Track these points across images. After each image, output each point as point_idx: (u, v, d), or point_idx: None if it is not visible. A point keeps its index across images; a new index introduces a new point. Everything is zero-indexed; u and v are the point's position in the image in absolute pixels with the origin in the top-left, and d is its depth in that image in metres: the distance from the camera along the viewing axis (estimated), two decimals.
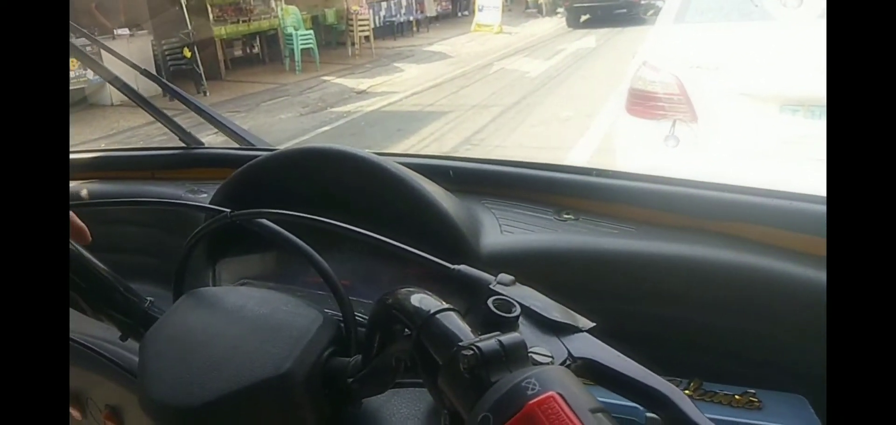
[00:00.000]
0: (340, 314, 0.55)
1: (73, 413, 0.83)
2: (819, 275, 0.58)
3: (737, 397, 0.57)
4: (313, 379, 0.48)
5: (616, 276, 0.63)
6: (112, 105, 7.78)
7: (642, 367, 0.35)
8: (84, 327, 0.74)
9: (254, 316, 0.53)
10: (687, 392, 0.58)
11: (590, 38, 11.54)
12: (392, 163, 0.68)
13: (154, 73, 1.05)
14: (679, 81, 2.63)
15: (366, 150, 0.69)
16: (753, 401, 0.56)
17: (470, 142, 5.55)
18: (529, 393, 0.29)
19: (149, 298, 0.61)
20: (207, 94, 8.28)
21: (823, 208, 0.64)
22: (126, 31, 8.08)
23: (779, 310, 0.59)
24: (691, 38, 3.06)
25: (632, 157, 2.78)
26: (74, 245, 0.58)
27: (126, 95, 0.99)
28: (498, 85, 8.10)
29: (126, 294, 0.59)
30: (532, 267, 0.63)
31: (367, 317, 0.54)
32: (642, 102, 2.71)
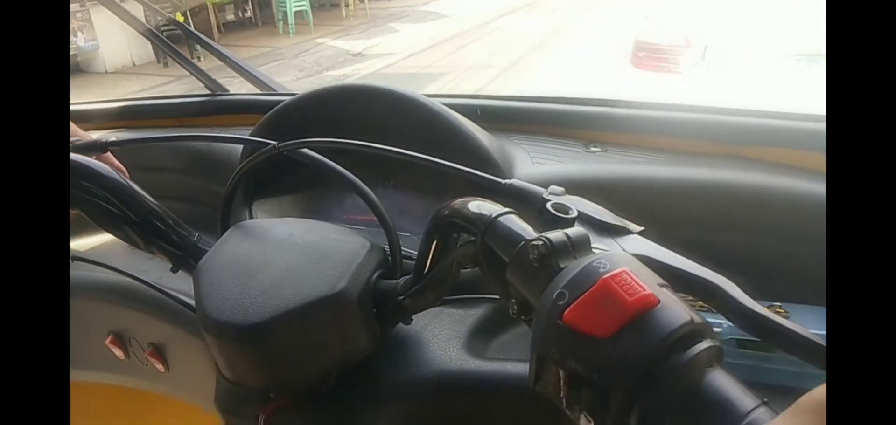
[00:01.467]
0: (383, 244, 0.57)
1: (116, 351, 0.86)
2: None
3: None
4: (365, 298, 0.51)
5: (646, 203, 0.65)
6: (106, 72, 7.70)
7: (694, 262, 0.38)
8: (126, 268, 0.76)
9: (303, 242, 0.55)
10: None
11: None
12: (425, 98, 0.69)
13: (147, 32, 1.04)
14: (684, 32, 2.62)
15: (398, 85, 0.71)
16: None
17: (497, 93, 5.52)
18: (602, 270, 0.31)
19: (197, 233, 0.63)
20: (201, 58, 8.18)
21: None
22: None
23: (802, 228, 0.61)
24: None
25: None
26: (127, 180, 0.60)
27: (153, 41, 0.99)
28: (496, 43, 8.03)
29: (176, 227, 0.61)
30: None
31: (406, 249, 0.56)
32: (647, 54, 2.71)
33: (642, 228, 0.42)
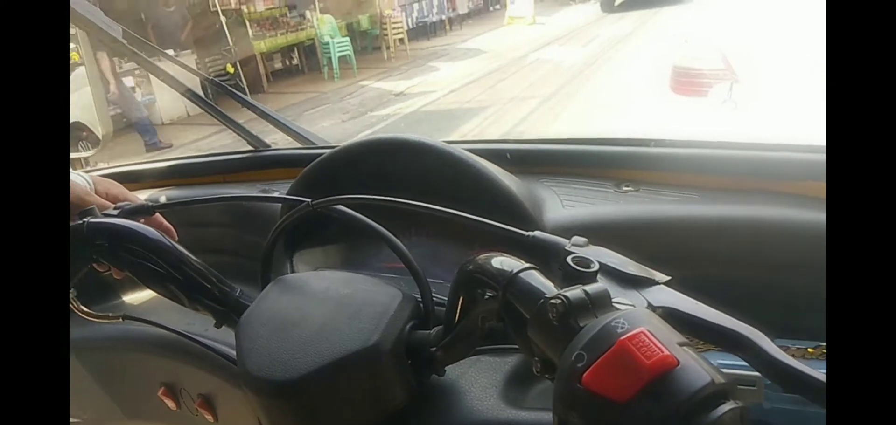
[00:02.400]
0: (416, 293, 0.58)
1: (169, 403, 0.89)
2: None
3: (810, 350, 0.58)
4: (398, 350, 0.52)
5: (680, 242, 0.64)
6: (162, 123, 8.09)
7: (721, 313, 0.37)
8: (171, 323, 0.80)
9: (339, 296, 0.57)
10: None
11: (625, 23, 11.34)
12: (455, 148, 0.70)
13: (200, 92, 1.10)
14: (724, 56, 2.57)
15: (428, 137, 0.72)
16: (826, 352, 0.57)
17: (510, 134, 5.54)
18: (619, 331, 0.31)
19: (239, 288, 0.65)
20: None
21: None
22: (171, 52, 8.38)
23: None
24: (733, 11, 2.99)
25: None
26: (171, 241, 0.63)
27: (197, 104, 1.04)
28: (534, 76, 8.05)
29: (219, 284, 0.63)
30: (597, 237, 0.65)
31: (438, 296, 0.57)
32: (687, 80, 2.67)
33: (668, 278, 0.41)
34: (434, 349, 0.52)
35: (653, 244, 0.65)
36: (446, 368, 0.56)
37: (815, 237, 0.60)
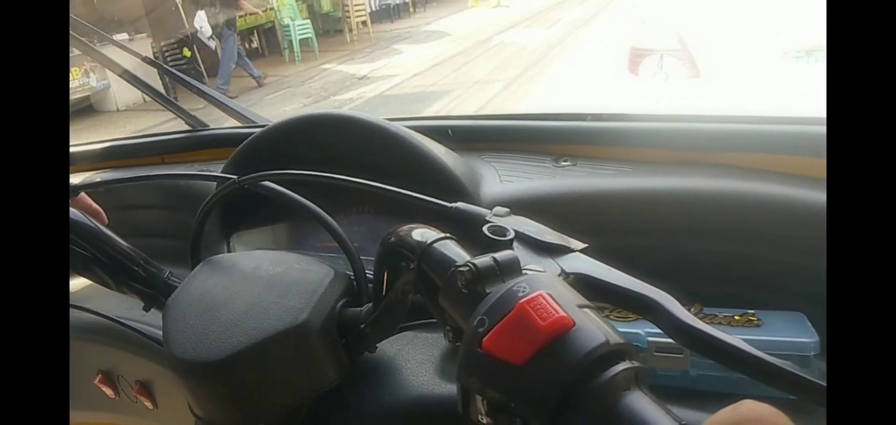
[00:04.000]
0: (350, 270, 0.58)
1: (106, 391, 0.87)
2: (812, 194, 0.59)
3: (736, 317, 0.59)
4: (328, 328, 0.51)
5: (614, 214, 0.65)
6: (117, 110, 7.84)
7: (633, 278, 0.37)
8: (111, 307, 0.77)
9: (268, 275, 0.56)
10: None
11: (588, 5, 11.42)
12: (390, 123, 0.70)
13: (155, 73, 1.07)
14: (679, 35, 2.61)
15: (364, 112, 0.71)
16: (752, 320, 0.58)
17: (469, 114, 5.54)
18: (520, 294, 0.31)
19: (168, 270, 0.63)
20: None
21: (815, 129, 0.65)
22: (125, 35, 8.10)
23: (775, 232, 0.61)
24: None
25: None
26: (95, 223, 0.61)
27: (134, 85, 1.01)
28: (499, 58, 8.06)
29: (146, 266, 0.62)
30: (532, 211, 0.65)
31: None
32: (643, 61, 2.70)
33: (585, 245, 0.41)
34: (364, 326, 0.51)
35: (587, 217, 0.65)
36: (383, 345, 0.56)
37: (744, 206, 0.62)
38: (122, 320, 0.69)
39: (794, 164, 0.64)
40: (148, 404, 0.84)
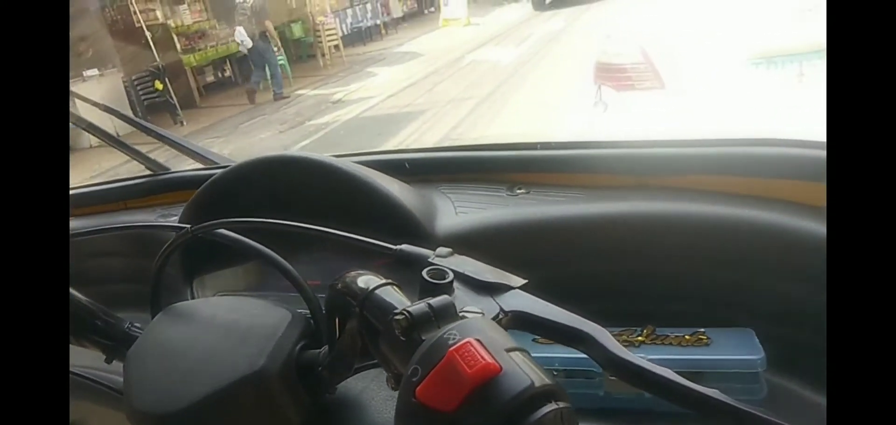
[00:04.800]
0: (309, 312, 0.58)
1: None
2: (760, 214, 0.61)
3: (687, 337, 0.61)
4: (288, 372, 0.51)
5: (567, 239, 0.66)
6: (90, 147, 7.72)
7: (569, 313, 0.39)
8: (72, 359, 0.77)
9: (226, 322, 0.56)
10: (640, 338, 0.62)
11: (557, 20, 11.59)
12: (344, 162, 0.71)
13: (127, 109, 1.07)
14: (643, 50, 2.66)
15: (317, 153, 0.72)
16: (702, 339, 0.60)
17: (449, 137, 5.57)
18: (450, 342, 0.32)
19: (128, 321, 0.63)
20: (184, 123, 8.25)
21: (762, 150, 0.67)
22: (95, 71, 8.02)
23: (722, 251, 0.63)
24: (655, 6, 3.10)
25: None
26: None
27: (92, 134, 1.01)
28: (471, 77, 8.13)
29: (106, 317, 0.62)
30: (486, 243, 0.67)
31: None
32: (609, 75, 2.75)
33: (525, 281, 0.42)
34: (321, 368, 0.52)
35: (540, 243, 0.67)
36: (347, 384, 0.56)
37: (692, 227, 0.63)
38: (82, 373, 0.68)
39: (741, 185, 0.67)
40: None
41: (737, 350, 0.57)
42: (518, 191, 0.76)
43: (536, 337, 0.54)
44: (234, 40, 10.20)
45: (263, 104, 9.01)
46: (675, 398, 0.33)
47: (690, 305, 0.64)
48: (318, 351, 0.53)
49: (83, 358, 0.78)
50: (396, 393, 0.60)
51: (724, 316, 0.62)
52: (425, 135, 5.85)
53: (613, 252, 0.66)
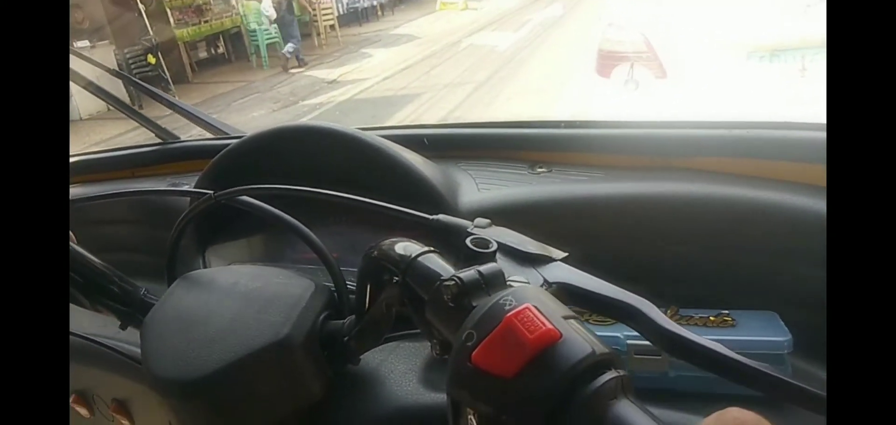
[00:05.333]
0: (330, 282, 0.57)
1: (81, 411, 0.84)
2: (782, 196, 0.61)
3: (711, 318, 0.61)
4: (311, 342, 0.51)
5: (590, 220, 0.66)
6: (81, 119, 7.63)
7: (614, 286, 0.38)
8: (84, 325, 0.76)
9: (247, 290, 0.55)
10: None
11: (556, 6, 11.55)
12: (365, 134, 0.70)
13: (119, 83, 1.05)
14: (646, 38, 2.66)
15: (339, 124, 0.71)
16: (727, 320, 0.60)
17: (445, 122, 5.55)
18: (507, 308, 0.31)
19: (144, 287, 0.62)
20: (176, 95, 8.16)
21: (783, 133, 0.67)
22: (86, 43, 7.90)
23: (746, 235, 0.62)
24: None
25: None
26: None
27: (101, 98, 0.99)
28: (468, 61, 8.09)
29: (122, 284, 0.61)
30: (509, 219, 0.65)
31: (355, 285, 0.56)
32: (611, 63, 2.74)
33: (565, 254, 0.42)
34: (347, 338, 0.51)
35: (564, 223, 0.66)
36: (365, 356, 0.55)
37: (716, 210, 0.63)
38: (96, 339, 0.67)
39: (763, 168, 0.66)
40: (125, 422, 0.82)
41: (763, 331, 0.57)
42: (539, 170, 0.75)
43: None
44: (228, 16, 10.12)
45: (256, 81, 8.93)
46: (728, 373, 0.33)
47: (713, 289, 0.64)
48: (341, 322, 0.53)
49: (92, 325, 0.77)
50: (415, 366, 0.60)
51: (747, 299, 0.62)
52: (421, 119, 5.82)
53: (636, 232, 0.66)
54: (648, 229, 0.66)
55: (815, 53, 2.38)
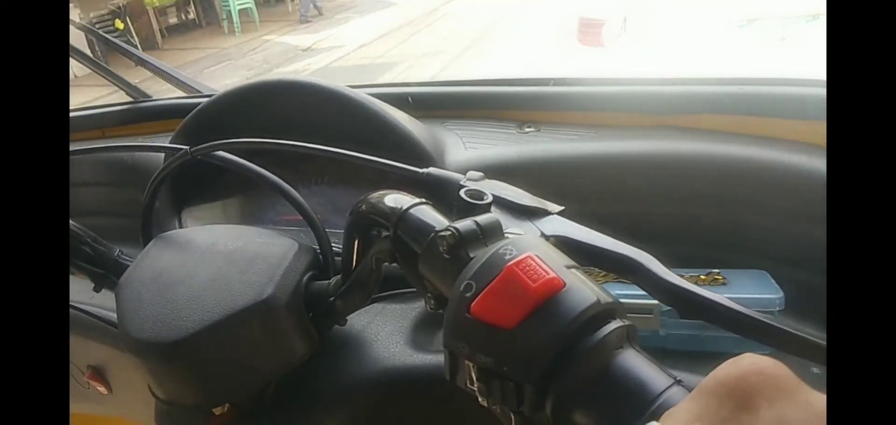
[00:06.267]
0: (313, 244, 0.55)
1: None
2: (774, 154, 0.60)
3: (702, 277, 0.60)
4: (295, 302, 0.49)
5: (579, 179, 0.65)
6: None
7: (613, 239, 0.37)
8: None
9: (227, 250, 0.53)
10: None
11: None
12: (350, 89, 0.67)
13: (86, 48, 1.00)
14: (625, 6, 2.65)
15: (320, 78, 0.68)
16: (718, 279, 0.59)
17: (430, 80, 5.49)
18: (507, 257, 0.30)
19: (118, 249, 0.60)
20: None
21: (778, 90, 0.66)
22: None
23: (737, 193, 0.62)
24: None
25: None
26: None
27: (72, 57, 0.94)
28: (446, 29, 8.00)
29: (94, 245, 0.58)
30: (497, 178, 0.64)
31: (339, 246, 0.54)
32: (592, 31, 2.73)
33: (562, 208, 0.41)
34: (333, 298, 0.49)
35: (554, 182, 0.65)
36: (351, 318, 0.54)
37: (706, 168, 0.62)
38: (70, 302, 0.65)
39: (755, 125, 0.65)
40: (102, 389, 0.80)
41: (755, 289, 0.57)
42: (527, 129, 0.73)
43: None
44: None
45: (228, 48, 8.73)
46: (730, 325, 0.32)
47: (703, 248, 0.64)
48: (326, 282, 0.51)
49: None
50: (401, 327, 0.59)
51: (737, 258, 0.61)
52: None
53: (626, 192, 0.65)
54: (638, 188, 0.65)
55: (796, 23, 2.39)
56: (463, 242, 0.33)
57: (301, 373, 0.53)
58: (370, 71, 6.52)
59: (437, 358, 0.55)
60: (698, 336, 0.57)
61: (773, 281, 0.58)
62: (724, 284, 0.58)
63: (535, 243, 0.32)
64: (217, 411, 0.54)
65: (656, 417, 0.24)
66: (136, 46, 8.00)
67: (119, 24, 8.04)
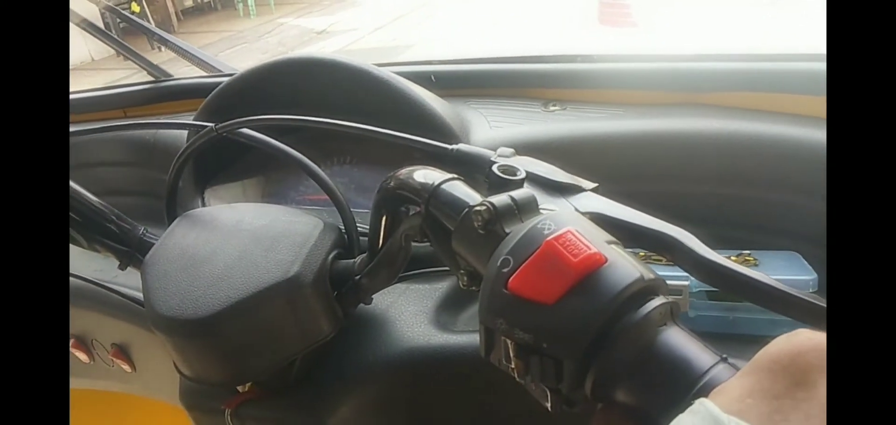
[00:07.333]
0: (338, 222, 0.55)
1: (80, 356, 0.83)
2: (806, 132, 0.59)
3: (733, 258, 0.59)
4: (321, 280, 0.49)
5: (607, 158, 0.64)
6: None
7: (649, 216, 0.36)
8: (81, 266, 0.73)
9: (253, 228, 0.53)
10: None
11: None
12: (374, 67, 0.66)
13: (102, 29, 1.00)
14: None
15: (343, 55, 0.68)
16: (749, 260, 0.58)
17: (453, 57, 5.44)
18: (546, 232, 0.29)
19: (142, 227, 0.60)
20: (162, 49, 7.97)
21: (808, 66, 0.64)
22: None
23: (768, 173, 0.60)
24: None
25: None
26: None
27: (92, 33, 0.94)
28: (464, 12, 7.92)
29: (120, 222, 0.59)
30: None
31: (363, 225, 0.54)
32: (614, 11, 2.69)
33: (596, 185, 0.40)
34: (359, 277, 0.49)
35: (581, 161, 0.63)
36: (375, 298, 0.54)
37: (737, 147, 0.61)
38: (95, 280, 0.65)
39: (787, 103, 0.64)
40: (126, 367, 0.80)
41: (788, 270, 0.56)
42: (552, 108, 0.72)
43: None
44: None
45: (243, 30, 8.74)
46: (767, 301, 0.31)
47: (735, 229, 0.63)
48: (351, 260, 0.51)
49: (89, 266, 0.75)
50: (426, 308, 0.58)
51: (770, 240, 0.60)
52: None
53: (652, 171, 0.64)
54: (665, 168, 0.63)
55: None
56: (498, 217, 0.33)
57: (325, 352, 0.53)
58: (385, 53, 6.48)
59: (461, 339, 0.54)
60: (727, 318, 0.56)
61: (805, 262, 0.56)
62: (755, 265, 0.57)
63: (574, 217, 0.31)
64: (241, 389, 0.55)
65: (704, 394, 0.23)
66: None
67: (135, 8, 8.06)
